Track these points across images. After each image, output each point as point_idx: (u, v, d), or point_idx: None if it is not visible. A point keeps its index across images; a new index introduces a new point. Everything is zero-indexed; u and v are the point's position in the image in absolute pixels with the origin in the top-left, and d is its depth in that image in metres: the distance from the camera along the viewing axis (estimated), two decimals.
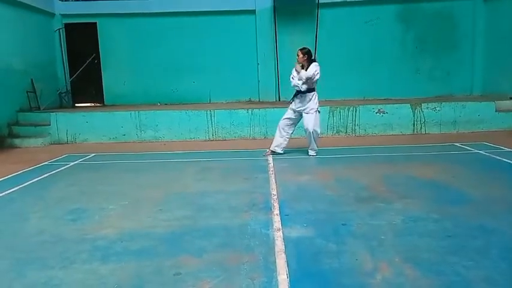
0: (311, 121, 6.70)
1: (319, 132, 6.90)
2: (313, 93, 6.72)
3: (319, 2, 11.11)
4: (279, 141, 6.94)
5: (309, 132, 6.74)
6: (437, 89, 11.31)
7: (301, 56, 6.60)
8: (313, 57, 6.74)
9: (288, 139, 6.98)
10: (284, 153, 7.01)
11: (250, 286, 2.70)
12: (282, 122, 6.93)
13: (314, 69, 6.54)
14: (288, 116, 6.88)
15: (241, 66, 11.33)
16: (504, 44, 10.35)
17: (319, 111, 6.81)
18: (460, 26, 11.35)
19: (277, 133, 6.96)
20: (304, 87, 6.63)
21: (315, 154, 6.91)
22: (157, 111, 9.45)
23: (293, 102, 6.83)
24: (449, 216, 3.85)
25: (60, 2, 11.60)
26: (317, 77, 6.60)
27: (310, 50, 6.70)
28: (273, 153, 6.98)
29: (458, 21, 11.34)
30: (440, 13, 11.34)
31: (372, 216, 3.92)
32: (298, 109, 6.78)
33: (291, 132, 6.99)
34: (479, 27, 11.19)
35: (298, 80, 6.63)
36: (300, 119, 6.90)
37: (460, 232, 3.50)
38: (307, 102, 6.70)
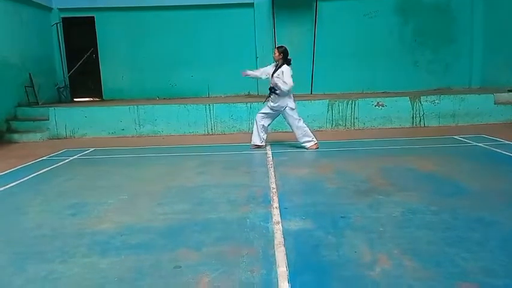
0: (288, 118, 6.90)
1: (300, 125, 6.87)
2: (279, 91, 6.77)
3: None
4: (255, 133, 7.09)
5: (292, 129, 6.96)
6: (436, 81, 11.33)
7: (277, 54, 6.76)
8: (289, 57, 6.80)
9: (263, 131, 7.06)
10: (266, 145, 7.12)
11: (250, 279, 2.71)
12: (257, 115, 7.11)
13: (288, 79, 6.59)
14: (263, 111, 7.06)
15: (240, 59, 11.28)
16: (502, 36, 10.34)
17: (292, 108, 6.81)
18: (458, 19, 11.34)
19: (254, 125, 7.15)
20: (272, 84, 6.80)
21: (310, 145, 6.89)
22: (156, 105, 9.44)
23: (269, 99, 6.96)
24: (448, 209, 3.86)
25: None
26: (285, 87, 6.64)
27: (286, 49, 6.78)
28: (257, 146, 7.07)
29: (457, 14, 11.33)
30: (439, 6, 11.32)
31: (371, 209, 3.93)
32: (272, 107, 6.92)
33: (267, 125, 7.08)
34: (478, 19, 11.18)
35: (266, 76, 6.90)
36: (277, 115, 7.04)
37: (459, 224, 3.51)
38: (277, 101, 6.83)
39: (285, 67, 6.68)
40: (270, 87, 6.88)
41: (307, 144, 6.90)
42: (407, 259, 2.89)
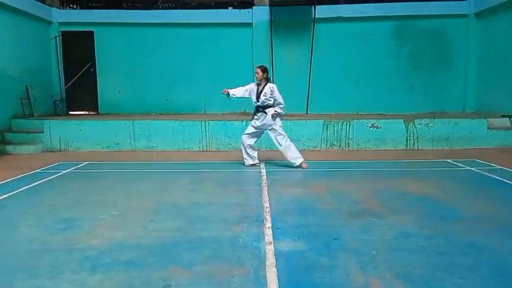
0: (273, 136, 6.92)
1: (287, 143, 6.91)
2: (268, 109, 6.85)
3: (316, 16, 11.23)
4: (245, 155, 7.12)
5: (279, 148, 6.98)
6: (430, 105, 11.43)
7: (261, 73, 6.84)
8: (269, 76, 6.99)
9: (252, 149, 7.10)
10: (260, 163, 7.16)
11: None
12: (242, 137, 7.13)
13: (280, 96, 6.78)
14: (248, 132, 7.07)
15: (237, 78, 11.31)
16: (496, 62, 10.50)
17: (278, 126, 6.89)
18: (453, 44, 11.52)
19: (241, 147, 7.17)
20: (260, 103, 6.86)
21: (300, 162, 6.92)
22: (152, 120, 9.45)
23: (254, 120, 7.01)
24: (440, 233, 3.86)
25: (57, 9, 11.65)
26: (283, 110, 6.87)
27: (267, 68, 6.95)
28: (252, 165, 7.10)
29: (452, 39, 11.52)
30: (435, 30, 11.51)
31: (364, 231, 3.92)
32: (258, 126, 6.96)
33: (253, 143, 7.09)
34: (472, 45, 11.37)
35: (249, 95, 6.96)
36: (262, 132, 7.09)
37: (451, 249, 3.50)
38: (263, 120, 6.88)
39: (273, 85, 6.81)
40: (258, 106, 6.89)
41: (296, 162, 6.91)
42: (399, 284, 2.87)
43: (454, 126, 9.11)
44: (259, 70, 6.82)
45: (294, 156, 6.92)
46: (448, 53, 11.56)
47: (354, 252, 3.43)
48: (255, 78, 6.98)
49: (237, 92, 7.03)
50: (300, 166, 6.90)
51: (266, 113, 6.80)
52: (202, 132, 9.14)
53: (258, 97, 6.83)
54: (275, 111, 6.74)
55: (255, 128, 6.98)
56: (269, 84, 6.80)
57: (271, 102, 6.78)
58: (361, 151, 8.98)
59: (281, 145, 6.91)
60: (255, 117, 6.95)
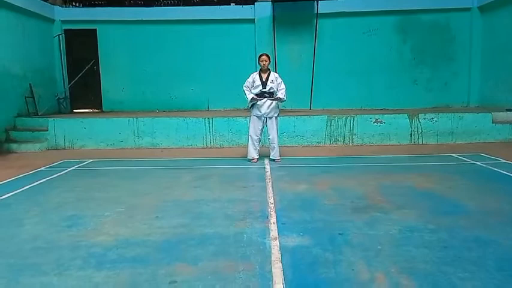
0: (274, 126, 7.02)
1: (277, 138, 7.15)
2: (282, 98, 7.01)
3: (318, 12, 11.20)
4: (251, 149, 7.15)
5: (275, 138, 7.05)
6: (434, 99, 11.39)
7: (269, 61, 6.93)
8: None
9: (258, 143, 7.18)
10: (264, 160, 7.11)
11: None
12: (251, 134, 7.11)
13: (282, 86, 6.94)
14: (255, 128, 7.06)
15: (240, 74, 11.33)
16: (500, 55, 10.44)
17: (276, 117, 7.08)
18: (457, 38, 11.46)
19: (249, 142, 7.17)
20: (267, 89, 6.93)
21: (278, 157, 7.12)
22: (155, 117, 9.46)
23: (256, 108, 6.97)
24: (445, 227, 3.85)
25: (60, 8, 11.67)
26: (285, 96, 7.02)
27: None
28: (256, 159, 7.16)
29: (456, 33, 11.45)
30: (438, 25, 11.45)
31: (369, 226, 3.92)
32: (265, 113, 6.97)
33: (259, 136, 7.15)
34: (476, 38, 11.30)
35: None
36: (263, 125, 7.13)
37: (456, 243, 3.50)
38: (272, 106, 6.95)
39: (276, 73, 6.95)
40: (264, 92, 6.89)
41: (276, 156, 7.07)
42: (404, 278, 2.87)
43: (459, 121, 9.08)
44: (267, 57, 6.91)
45: (276, 150, 7.09)
46: (452, 47, 11.50)
47: (359, 247, 3.43)
48: (258, 66, 7.00)
49: (250, 93, 6.98)
50: (275, 160, 7.08)
51: (279, 99, 6.90)
52: (205, 128, 9.15)
53: (264, 83, 6.87)
54: (281, 96, 6.86)
55: (258, 118, 6.99)
56: (273, 72, 6.94)
57: (275, 89, 6.88)
58: (365, 146, 8.96)
59: (274, 138, 7.03)
60: (258, 103, 6.92)
